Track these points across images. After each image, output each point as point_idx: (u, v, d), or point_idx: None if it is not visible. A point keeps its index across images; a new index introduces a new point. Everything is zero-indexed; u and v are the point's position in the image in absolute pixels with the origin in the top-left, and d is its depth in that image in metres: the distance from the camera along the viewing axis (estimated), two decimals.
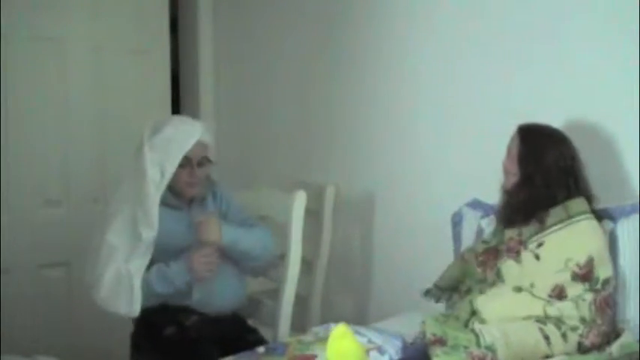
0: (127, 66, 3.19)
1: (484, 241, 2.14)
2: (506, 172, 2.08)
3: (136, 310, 2.14)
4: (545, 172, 1.99)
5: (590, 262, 1.90)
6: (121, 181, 2.35)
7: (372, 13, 2.84)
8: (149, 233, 2.16)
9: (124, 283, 2.15)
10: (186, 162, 2.23)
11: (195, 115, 3.47)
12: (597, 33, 2.22)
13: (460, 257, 2.23)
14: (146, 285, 2.16)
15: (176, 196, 2.29)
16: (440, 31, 2.62)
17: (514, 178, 2.05)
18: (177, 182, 2.25)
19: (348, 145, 2.96)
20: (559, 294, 1.91)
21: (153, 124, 2.28)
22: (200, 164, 2.28)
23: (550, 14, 2.31)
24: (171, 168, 2.20)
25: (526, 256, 1.98)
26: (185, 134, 2.25)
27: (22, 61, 2.86)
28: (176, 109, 3.53)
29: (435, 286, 2.22)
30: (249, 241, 2.32)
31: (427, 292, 2.22)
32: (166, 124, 2.26)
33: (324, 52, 3.03)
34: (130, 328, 2.34)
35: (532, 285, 1.93)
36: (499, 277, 2.02)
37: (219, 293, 2.27)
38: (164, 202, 2.22)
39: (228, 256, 2.29)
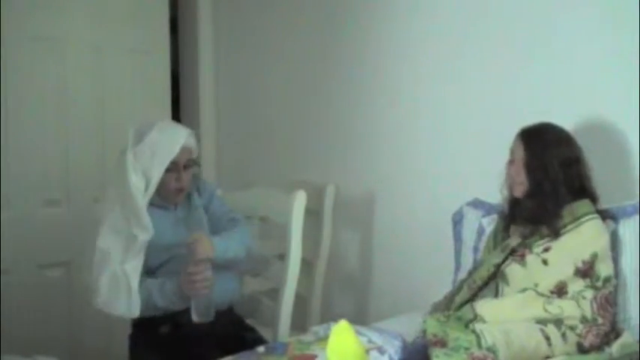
0: (127, 66, 3.19)
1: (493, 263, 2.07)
2: (512, 180, 2.06)
3: (135, 310, 2.14)
4: (553, 178, 1.97)
5: (593, 259, 1.91)
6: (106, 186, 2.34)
7: (372, 14, 2.84)
8: (145, 235, 2.16)
9: (121, 285, 2.14)
10: (172, 167, 2.23)
11: (195, 115, 3.48)
12: (598, 32, 2.22)
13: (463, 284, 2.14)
14: (147, 295, 2.16)
15: (162, 197, 2.29)
16: (440, 31, 2.62)
17: (522, 187, 2.03)
18: (164, 187, 2.24)
19: (348, 145, 2.96)
20: (560, 290, 1.91)
21: (135, 131, 2.25)
22: (186, 167, 2.28)
23: (553, 12, 2.31)
24: (157, 175, 2.19)
25: (531, 259, 1.97)
26: (169, 140, 2.23)
27: (22, 61, 2.86)
28: (176, 109, 3.53)
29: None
30: (235, 247, 2.31)
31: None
32: (149, 131, 2.22)
33: (324, 52, 3.03)
34: (129, 328, 2.34)
35: (536, 285, 1.94)
36: (503, 280, 2.02)
37: (213, 292, 2.27)
38: (150, 202, 2.22)
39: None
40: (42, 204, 2.95)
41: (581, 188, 2.00)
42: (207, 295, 2.17)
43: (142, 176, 2.18)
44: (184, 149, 2.26)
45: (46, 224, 2.94)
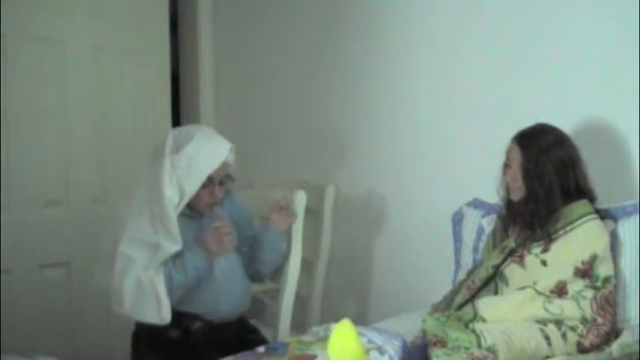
0: (127, 66, 3.19)
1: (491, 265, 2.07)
2: (509, 185, 2.06)
3: (166, 316, 2.09)
4: (547, 184, 1.97)
5: (592, 260, 1.91)
6: (129, 187, 2.28)
7: (372, 14, 2.84)
8: (174, 247, 2.11)
9: (147, 292, 2.08)
10: (208, 182, 2.17)
11: (195, 115, 3.48)
12: (598, 33, 2.22)
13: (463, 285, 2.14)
14: (167, 278, 2.11)
15: (191, 207, 2.24)
16: (440, 32, 2.62)
17: (520, 192, 2.03)
18: (197, 200, 2.19)
19: (348, 145, 2.96)
20: (560, 290, 1.91)
21: (175, 137, 2.17)
22: (222, 183, 2.24)
23: (551, 13, 2.31)
24: (192, 189, 2.13)
25: (530, 260, 1.97)
26: (210, 154, 2.16)
27: (22, 61, 2.86)
28: (176, 109, 3.53)
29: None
30: (282, 244, 2.40)
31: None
32: (190, 141, 2.14)
33: (324, 53, 3.03)
34: (130, 328, 2.34)
35: (535, 283, 1.94)
36: (502, 281, 2.02)
37: (225, 301, 2.26)
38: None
39: (253, 256, 2.38)
40: (42, 204, 2.94)
41: (577, 189, 1.99)
42: (228, 250, 2.22)
43: (177, 188, 2.11)
44: (223, 164, 2.20)
45: (46, 224, 2.93)
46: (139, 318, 2.15)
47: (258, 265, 2.40)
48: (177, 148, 2.14)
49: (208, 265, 2.18)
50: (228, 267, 2.28)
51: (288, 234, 2.47)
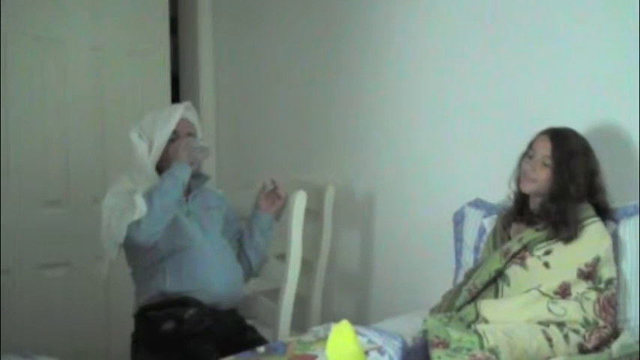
0: (127, 66, 3.19)
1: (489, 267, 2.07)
2: (525, 173, 2.04)
3: (141, 208, 2.18)
4: (579, 184, 1.97)
5: (596, 262, 1.92)
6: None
7: (373, 13, 2.84)
8: (150, 182, 2.27)
9: (125, 202, 2.21)
10: (174, 136, 2.34)
11: None
12: (600, 34, 2.22)
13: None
14: (150, 206, 2.19)
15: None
16: (440, 30, 2.62)
17: (533, 184, 2.02)
18: (170, 157, 2.31)
19: (348, 145, 2.96)
20: (564, 291, 1.91)
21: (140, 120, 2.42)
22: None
23: (554, 13, 2.31)
24: (160, 139, 2.31)
25: (532, 262, 1.98)
26: (169, 111, 2.39)
27: (22, 61, 2.86)
28: None
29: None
30: (272, 228, 2.51)
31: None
32: (150, 112, 2.42)
33: (324, 52, 3.03)
34: (130, 327, 2.34)
35: (540, 285, 1.94)
36: (504, 281, 2.01)
37: (216, 280, 2.30)
38: None
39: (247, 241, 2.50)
40: (42, 204, 2.95)
41: (593, 197, 2.00)
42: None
43: (147, 143, 2.32)
44: (184, 120, 2.38)
45: (46, 224, 2.94)
46: (121, 227, 2.19)
47: (249, 251, 2.51)
48: (141, 120, 2.39)
49: (181, 172, 2.27)
50: (219, 247, 2.37)
51: (287, 234, 2.48)
